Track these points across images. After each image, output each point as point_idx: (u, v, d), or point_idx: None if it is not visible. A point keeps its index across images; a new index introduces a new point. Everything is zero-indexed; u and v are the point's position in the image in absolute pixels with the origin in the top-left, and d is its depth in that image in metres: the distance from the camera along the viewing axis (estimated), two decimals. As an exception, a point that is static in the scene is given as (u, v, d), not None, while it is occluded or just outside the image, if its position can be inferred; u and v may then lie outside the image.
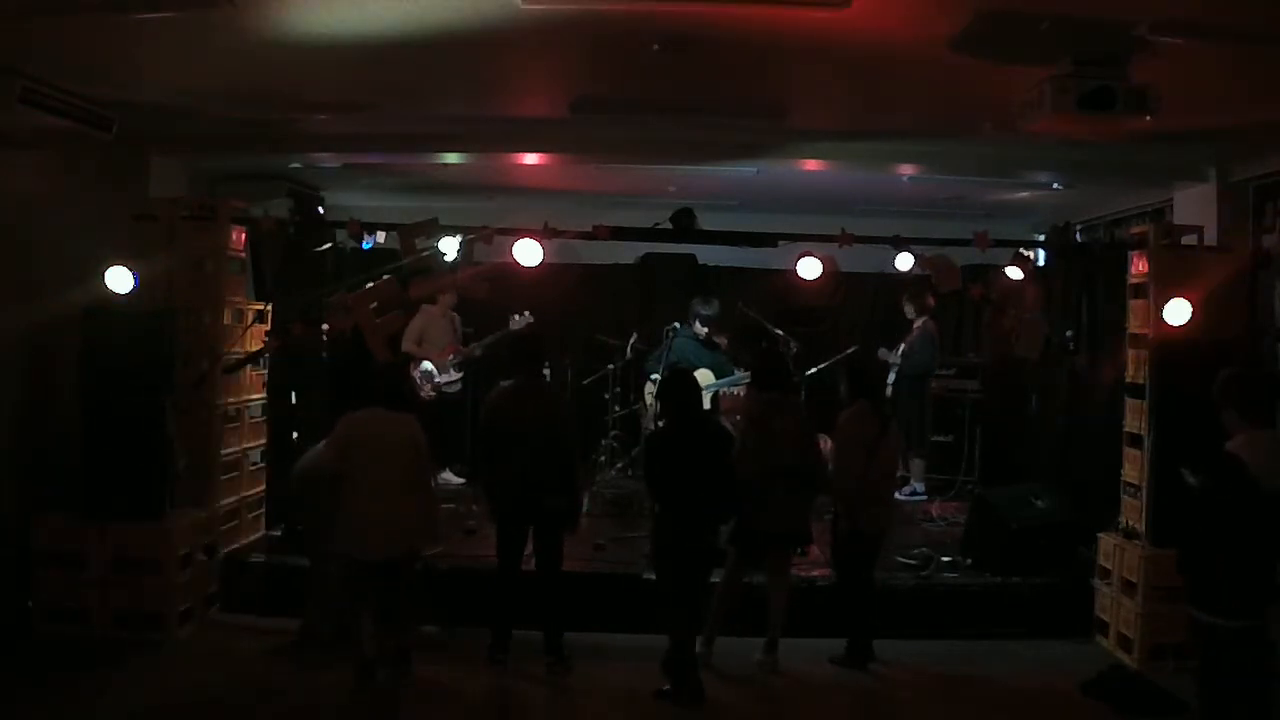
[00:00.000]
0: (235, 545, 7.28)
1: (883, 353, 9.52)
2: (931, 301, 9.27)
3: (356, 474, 5.57)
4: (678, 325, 9.37)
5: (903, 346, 9.47)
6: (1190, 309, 6.40)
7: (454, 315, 9.24)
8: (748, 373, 8.54)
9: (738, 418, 7.15)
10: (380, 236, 7.99)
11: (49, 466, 6.74)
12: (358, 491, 5.56)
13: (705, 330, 9.25)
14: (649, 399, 9.19)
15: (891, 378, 9.42)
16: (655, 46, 5.08)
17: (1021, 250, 7.62)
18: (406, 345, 8.81)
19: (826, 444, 6.57)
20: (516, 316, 9.00)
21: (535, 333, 6.46)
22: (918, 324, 9.46)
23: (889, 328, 10.37)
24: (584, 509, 6.61)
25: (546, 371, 10.02)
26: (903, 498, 9.27)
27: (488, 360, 9.64)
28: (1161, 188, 8.28)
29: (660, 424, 6.06)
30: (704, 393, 8.79)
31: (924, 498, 9.37)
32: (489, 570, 6.37)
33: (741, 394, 8.80)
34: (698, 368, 8.94)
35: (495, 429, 6.12)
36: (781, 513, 6.02)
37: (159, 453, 6.51)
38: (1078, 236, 9.17)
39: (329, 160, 8.17)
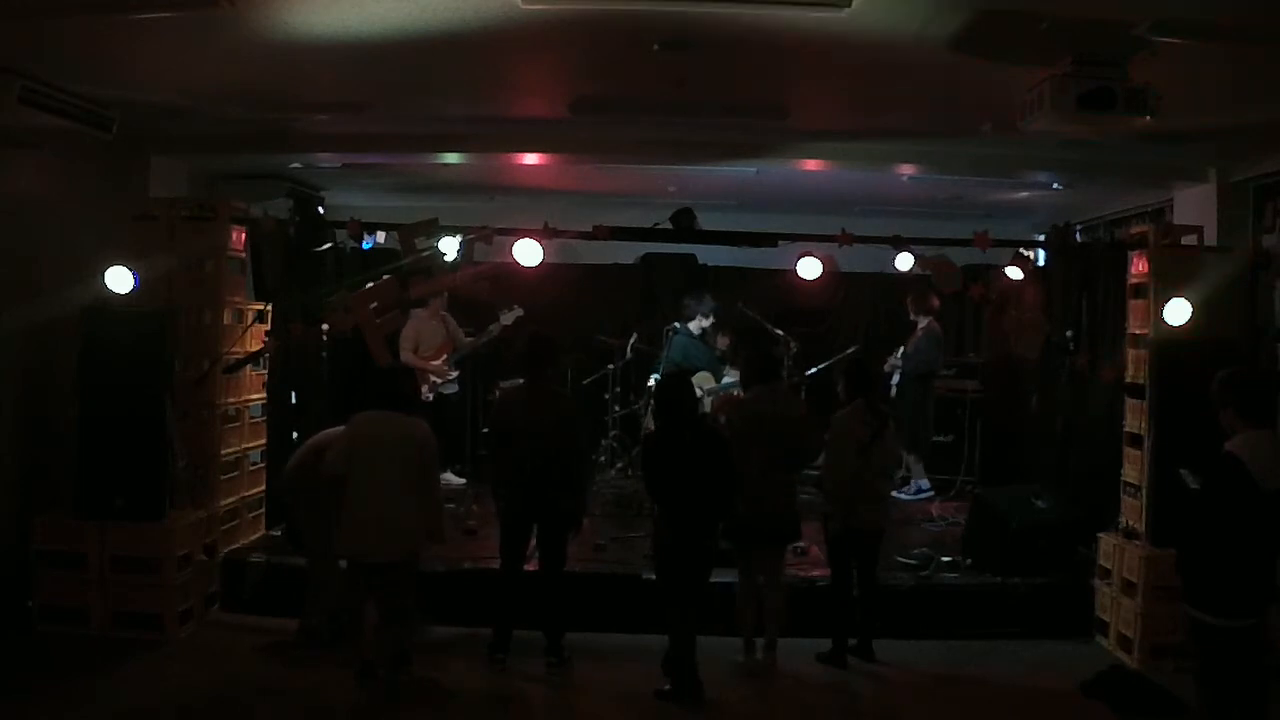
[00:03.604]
0: (235, 545, 7.28)
1: (887, 367, 9.49)
2: (936, 302, 9.24)
3: (361, 475, 5.56)
4: (677, 325, 9.37)
5: (904, 348, 9.44)
6: (1190, 309, 6.39)
7: (445, 315, 9.18)
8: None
9: (723, 418, 7.15)
10: (380, 236, 7.98)
11: (49, 466, 6.74)
12: (362, 492, 5.54)
13: (708, 323, 9.23)
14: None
15: (896, 378, 9.42)
16: (655, 46, 5.09)
17: (1021, 250, 7.63)
18: (404, 355, 8.62)
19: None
20: (505, 312, 8.97)
21: (547, 334, 6.47)
22: (922, 324, 9.42)
23: (889, 328, 10.38)
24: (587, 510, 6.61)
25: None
26: (908, 497, 9.28)
27: (485, 360, 9.63)
28: (1161, 188, 8.28)
29: (655, 425, 6.06)
30: (709, 396, 8.82)
31: (931, 494, 9.34)
32: (489, 570, 6.38)
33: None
34: (699, 369, 8.94)
35: (504, 429, 6.14)
36: (772, 509, 6.00)
37: (159, 453, 6.52)
38: (1078, 236, 9.17)
39: (329, 160, 8.18)
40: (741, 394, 8.69)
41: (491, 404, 8.70)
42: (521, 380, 6.23)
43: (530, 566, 6.19)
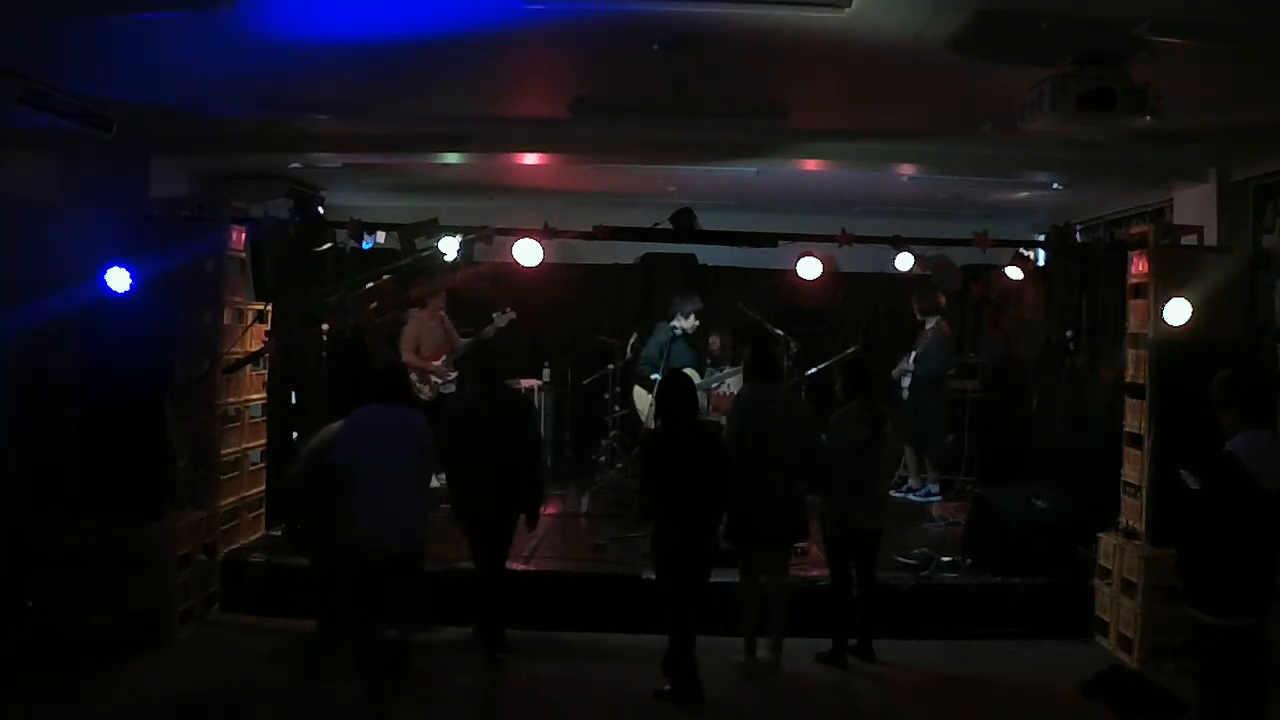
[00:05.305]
0: (235, 545, 7.28)
1: (896, 373, 9.47)
2: (942, 301, 9.22)
3: (367, 468, 5.56)
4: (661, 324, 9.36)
5: (916, 351, 9.36)
6: (1190, 309, 6.39)
7: (443, 316, 9.16)
8: (732, 368, 8.58)
9: (723, 419, 7.15)
10: (380, 236, 7.98)
11: (49, 466, 6.74)
12: (368, 485, 5.54)
13: (689, 323, 9.20)
14: (636, 401, 9.22)
15: (907, 381, 9.39)
16: (655, 46, 5.09)
17: (1021, 250, 7.62)
18: (406, 355, 8.58)
19: None
20: (497, 315, 8.95)
21: (488, 340, 6.56)
22: (929, 324, 9.38)
23: (889, 328, 10.37)
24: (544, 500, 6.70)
25: (546, 372, 10.18)
26: (918, 498, 9.28)
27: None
28: (1161, 188, 8.29)
29: (655, 425, 6.08)
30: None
31: (939, 497, 9.34)
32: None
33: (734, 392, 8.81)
34: (681, 367, 8.92)
35: (455, 436, 6.21)
36: (773, 507, 6.00)
37: (159, 452, 6.52)
38: (1078, 236, 9.16)
39: (329, 160, 8.18)
40: (733, 390, 8.81)
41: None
42: (468, 388, 6.31)
43: (515, 565, 6.23)
